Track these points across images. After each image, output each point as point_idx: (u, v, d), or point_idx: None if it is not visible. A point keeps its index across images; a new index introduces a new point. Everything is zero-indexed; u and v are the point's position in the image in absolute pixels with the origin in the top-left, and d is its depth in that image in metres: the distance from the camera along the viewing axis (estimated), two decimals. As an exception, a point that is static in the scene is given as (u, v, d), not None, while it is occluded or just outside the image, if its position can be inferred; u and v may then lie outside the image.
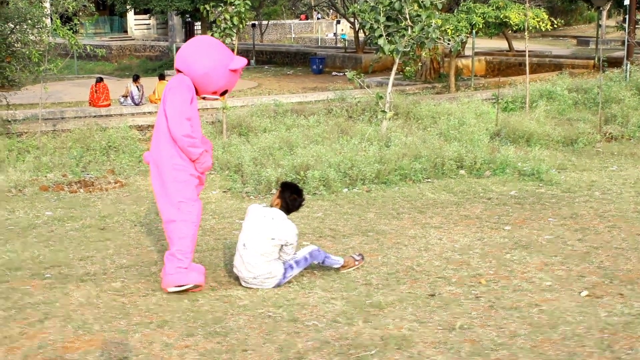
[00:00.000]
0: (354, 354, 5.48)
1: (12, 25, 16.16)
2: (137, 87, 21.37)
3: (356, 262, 7.55)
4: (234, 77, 7.31)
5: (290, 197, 7.21)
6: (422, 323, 6.04)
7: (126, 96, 21.35)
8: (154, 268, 7.72)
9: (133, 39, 50.28)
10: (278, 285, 7.08)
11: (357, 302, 6.58)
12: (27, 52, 15.77)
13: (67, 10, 15.85)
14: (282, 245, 7.00)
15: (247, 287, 7.05)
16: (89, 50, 17.71)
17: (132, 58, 43.52)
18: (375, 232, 8.96)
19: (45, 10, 16.75)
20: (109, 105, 20.94)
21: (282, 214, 7.12)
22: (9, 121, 17.05)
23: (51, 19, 17.25)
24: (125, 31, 53.95)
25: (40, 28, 16.17)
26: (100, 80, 21.39)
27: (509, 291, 6.76)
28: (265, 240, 6.96)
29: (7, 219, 10.02)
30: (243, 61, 7.30)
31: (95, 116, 19.44)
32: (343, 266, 7.46)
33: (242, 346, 5.73)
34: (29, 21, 16.07)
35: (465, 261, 7.69)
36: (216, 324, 6.18)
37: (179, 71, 7.24)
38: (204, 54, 7.11)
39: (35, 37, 16.27)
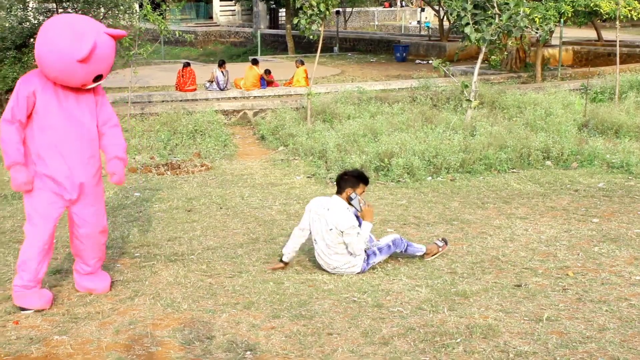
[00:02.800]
0: (439, 342, 5.46)
1: (105, 10, 16.51)
2: (223, 72, 21.58)
3: (440, 249, 7.52)
4: (87, 67, 5.92)
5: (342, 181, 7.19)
6: (508, 313, 5.98)
7: (212, 81, 21.58)
8: (239, 250, 7.82)
9: (218, 25, 50.80)
10: (362, 272, 7.10)
11: (442, 290, 6.55)
12: (119, 37, 16.08)
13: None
14: (342, 235, 6.99)
15: (330, 273, 7.11)
16: (177, 36, 18.00)
17: (217, 44, 43.98)
18: (460, 221, 8.90)
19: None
20: (195, 89, 21.20)
21: (340, 202, 7.08)
22: (100, 104, 17.42)
23: (141, 4, 17.57)
24: (211, 17, 54.55)
25: (131, 13, 16.48)
26: (187, 65, 21.68)
27: (597, 284, 6.64)
28: (327, 233, 6.98)
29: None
30: (88, 46, 5.82)
31: (181, 100, 19.73)
32: (426, 254, 7.44)
33: (327, 329, 5.76)
34: (121, 7, 16.39)
35: (552, 253, 7.58)
36: (301, 307, 6.22)
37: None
38: (49, 47, 5.89)
39: (126, 22, 16.59)
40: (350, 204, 7.04)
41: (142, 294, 6.53)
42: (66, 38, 5.85)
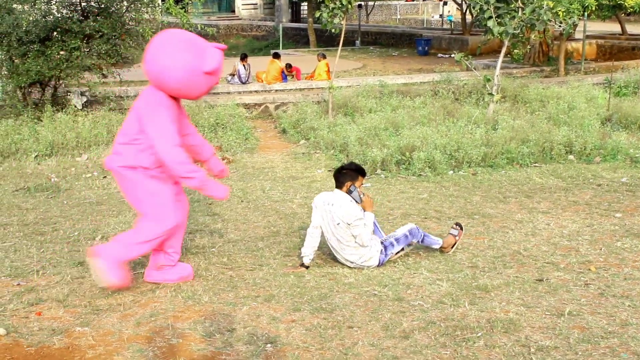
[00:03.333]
0: (460, 336, 5.45)
1: (127, 4, 16.54)
2: (244, 65, 21.60)
3: (456, 237, 7.48)
4: (212, 79, 6.31)
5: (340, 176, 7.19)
6: (529, 308, 5.95)
7: (233, 75, 21.60)
8: (260, 243, 7.83)
9: (240, 19, 50.81)
10: (381, 264, 7.09)
11: (462, 284, 6.53)
12: (141, 30, 16.14)
13: (179, -10, 16.16)
14: (349, 228, 6.98)
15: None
16: (199, 29, 18.01)
17: (238, 37, 44.00)
18: (481, 215, 8.86)
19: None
20: (217, 83, 21.23)
21: (342, 195, 7.07)
22: (122, 97, 17.51)
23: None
24: (233, 11, 54.56)
25: (154, 7, 16.51)
26: (208, 58, 21.68)
27: (620, 279, 6.60)
28: (336, 228, 6.97)
29: (119, 192, 10.29)
30: (216, 57, 6.18)
31: (203, 93, 19.72)
32: (444, 247, 7.42)
33: (347, 323, 5.76)
34: (144, 0, 16.42)
35: (574, 247, 7.53)
36: (322, 300, 6.22)
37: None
38: (173, 61, 6.10)
39: (149, 16, 16.63)
40: (350, 196, 7.05)
41: (163, 286, 6.55)
42: (191, 51, 6.08)
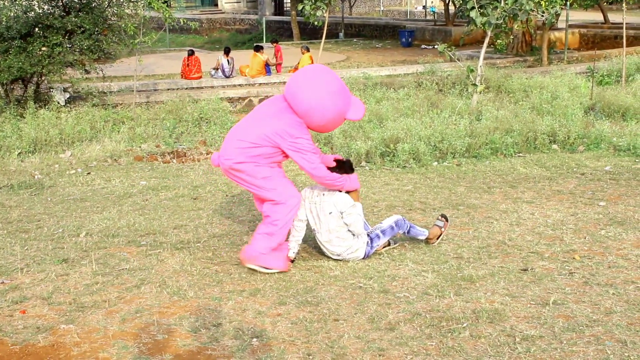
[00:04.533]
0: (445, 327, 5.46)
1: (109, 0, 16.47)
2: (228, 60, 21.56)
3: (442, 229, 7.49)
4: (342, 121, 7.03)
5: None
6: (514, 297, 5.97)
7: (217, 69, 21.57)
8: (245, 238, 7.82)
9: (223, 13, 50.68)
10: (366, 256, 7.09)
11: (448, 275, 6.54)
12: (123, 25, 16.07)
13: (161, -16, 16.06)
14: (342, 217, 6.99)
15: (337, 260, 7.10)
16: (182, 23, 17.95)
17: (222, 31, 43.88)
18: (466, 206, 8.88)
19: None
20: (200, 77, 21.18)
21: None
22: (105, 93, 17.44)
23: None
24: (216, 5, 54.44)
25: (136, 2, 16.44)
26: (192, 53, 21.66)
27: (604, 268, 6.62)
28: (327, 217, 6.96)
29: (103, 188, 10.29)
30: (361, 111, 6.91)
31: (187, 88, 19.72)
32: (429, 239, 7.43)
33: (333, 315, 5.77)
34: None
35: (558, 236, 7.56)
36: (307, 294, 6.23)
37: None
38: (325, 103, 6.64)
39: (131, 11, 16.55)
40: None
41: (149, 282, 6.53)
42: (343, 97, 6.72)
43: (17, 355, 5.19)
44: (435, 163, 11.29)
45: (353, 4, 47.75)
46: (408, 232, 7.32)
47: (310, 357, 5.12)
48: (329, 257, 7.13)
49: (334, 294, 6.22)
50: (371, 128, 12.99)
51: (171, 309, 5.95)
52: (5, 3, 16.03)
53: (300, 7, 15.75)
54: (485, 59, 15.83)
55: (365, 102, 15.78)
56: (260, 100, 18.78)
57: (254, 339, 5.37)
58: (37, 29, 15.76)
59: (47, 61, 15.32)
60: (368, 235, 7.13)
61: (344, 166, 7.06)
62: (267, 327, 5.59)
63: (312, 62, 21.21)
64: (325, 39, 16.73)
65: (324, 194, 6.99)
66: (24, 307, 5.98)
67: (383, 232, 7.19)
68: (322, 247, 7.13)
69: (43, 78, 16.33)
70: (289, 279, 6.58)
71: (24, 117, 14.08)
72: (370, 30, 37.87)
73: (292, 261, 7.05)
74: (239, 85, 20.48)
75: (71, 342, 5.35)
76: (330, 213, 6.94)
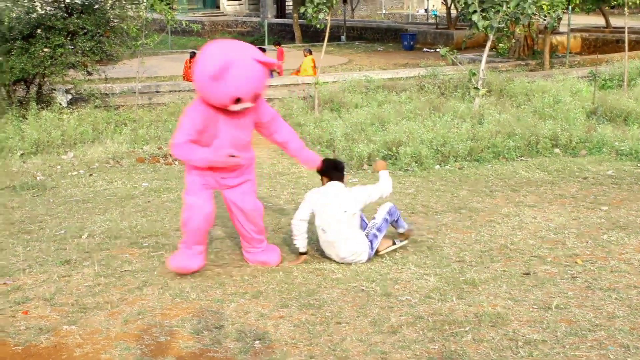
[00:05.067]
0: (447, 330, 5.46)
1: (111, 1, 16.48)
2: (230, 62, 21.54)
3: (395, 244, 7.48)
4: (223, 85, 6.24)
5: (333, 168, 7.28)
6: (516, 301, 5.97)
7: (219, 71, 21.55)
8: (248, 240, 7.81)
9: (225, 15, 50.66)
10: (368, 259, 7.10)
11: (450, 278, 6.54)
12: (125, 27, 16.08)
13: (163, -14, 16.07)
14: (360, 210, 7.14)
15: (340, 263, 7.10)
16: (184, 26, 17.96)
17: (224, 34, 43.83)
18: (468, 209, 8.87)
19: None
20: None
21: (340, 185, 7.16)
22: (107, 94, 17.44)
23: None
24: (218, 7, 54.41)
25: (138, 4, 16.45)
26: (194, 55, 21.65)
27: (607, 272, 6.62)
28: (342, 215, 6.98)
29: (105, 189, 10.28)
30: (218, 62, 6.18)
31: (189, 90, 19.69)
32: (402, 234, 7.49)
33: (335, 318, 5.76)
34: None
35: (561, 240, 7.55)
36: (310, 296, 6.22)
37: None
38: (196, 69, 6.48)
39: (133, 13, 16.56)
40: None
41: (151, 283, 6.54)
42: (205, 58, 6.37)
43: (19, 356, 5.20)
44: (438, 166, 11.28)
45: (355, 7, 47.76)
46: (397, 221, 7.37)
47: (313, 359, 5.12)
48: (331, 260, 7.13)
49: (337, 296, 6.22)
50: (373, 131, 12.98)
51: (173, 310, 5.95)
52: (8, 4, 16.02)
53: (302, 9, 15.69)
54: (487, 62, 15.80)
55: (368, 105, 15.79)
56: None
57: (256, 342, 5.37)
58: (39, 30, 15.76)
59: (49, 62, 15.31)
60: (366, 237, 7.14)
61: (330, 166, 7.27)
62: (269, 329, 5.59)
63: (314, 65, 21.20)
64: (328, 41, 16.68)
65: (336, 195, 7.03)
66: (26, 308, 5.99)
67: (379, 229, 7.21)
68: (327, 249, 7.14)
69: (45, 79, 16.33)
70: (291, 282, 6.58)
71: (26, 119, 14.07)
72: (372, 34, 37.85)
73: (306, 253, 7.16)
74: (241, 87, 20.43)
75: (73, 343, 5.36)
76: (345, 212, 6.98)
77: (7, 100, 15.46)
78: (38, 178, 11.11)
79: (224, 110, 6.45)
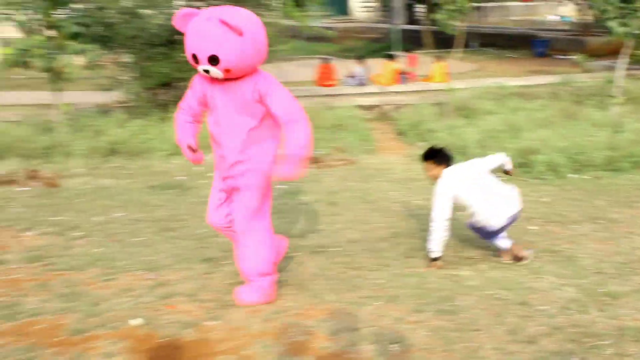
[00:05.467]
0: (588, 343, 5.30)
1: (250, 8, 16.81)
2: (361, 67, 21.63)
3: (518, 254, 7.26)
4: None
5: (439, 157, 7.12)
6: (660, 316, 5.75)
7: (351, 76, 21.67)
8: (382, 244, 7.81)
9: (356, 21, 50.92)
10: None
11: (589, 290, 6.35)
12: (263, 33, 16.36)
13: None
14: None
15: (473, 269, 6.99)
16: (318, 33, 18.14)
17: (354, 40, 44.09)
18: (606, 220, 8.60)
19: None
20: (334, 84, 21.34)
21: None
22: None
23: (282, 3, 17.74)
24: (349, 14, 54.75)
25: (275, 10, 16.73)
26: (326, 60, 21.86)
27: None
28: (488, 175, 7.16)
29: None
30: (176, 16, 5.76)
31: (321, 95, 19.88)
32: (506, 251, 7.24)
33: (472, 325, 5.68)
34: (264, 4, 16.64)
35: None
36: (445, 302, 6.15)
37: None
38: None
39: (270, 19, 16.84)
40: None
41: (288, 284, 6.60)
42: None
43: (164, 348, 5.34)
44: (573, 175, 10.98)
45: (486, 14, 47.13)
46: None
47: (450, 366, 5.08)
48: (465, 266, 7.04)
49: (472, 303, 6.13)
50: (506, 138, 12.76)
51: (310, 311, 5.99)
52: (151, 12, 16.57)
53: (435, 16, 15.63)
54: (624, 69, 15.31)
55: (500, 112, 15.53)
56: (394, 109, 18.74)
57: (393, 345, 5.35)
58: (177, 36, 16.23)
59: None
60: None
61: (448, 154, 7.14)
62: (405, 333, 5.55)
63: (445, 71, 21.04)
64: (458, 48, 16.56)
65: (472, 164, 7.19)
66: (171, 303, 6.15)
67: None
68: (498, 214, 7.01)
69: (185, 83, 16.77)
70: (426, 287, 6.52)
71: (168, 121, 14.50)
72: (503, 40, 37.22)
73: (438, 259, 7.05)
74: (372, 93, 20.49)
75: (216, 338, 5.47)
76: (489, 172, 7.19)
77: (151, 104, 15.98)
78: (178, 178, 11.43)
79: (218, 80, 5.85)
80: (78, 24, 15.35)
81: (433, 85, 20.56)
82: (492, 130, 13.43)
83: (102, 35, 15.93)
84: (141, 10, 16.19)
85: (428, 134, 14.31)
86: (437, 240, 6.98)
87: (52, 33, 14.69)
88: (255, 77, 5.84)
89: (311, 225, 8.55)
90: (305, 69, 25.83)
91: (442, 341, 5.42)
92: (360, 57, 22.52)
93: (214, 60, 5.56)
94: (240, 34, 5.52)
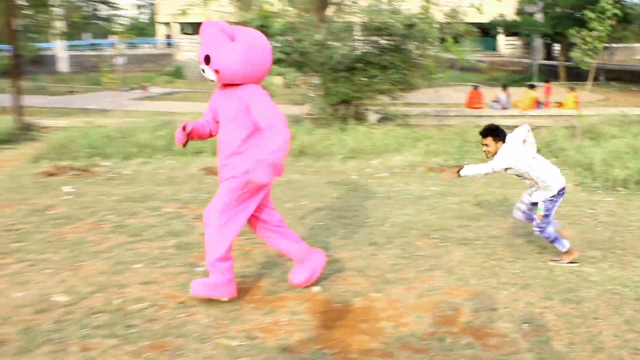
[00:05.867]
0: (697, 338, 4.93)
1: (417, 44, 16.74)
2: (505, 94, 21.08)
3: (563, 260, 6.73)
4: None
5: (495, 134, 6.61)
6: None
7: (496, 101, 21.16)
8: (518, 240, 7.57)
9: (501, 56, 49.64)
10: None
11: (700, 292, 5.90)
12: (425, 64, 16.28)
13: (458, 32, 16.10)
14: None
15: (595, 267, 6.64)
16: (470, 64, 17.81)
17: (500, 71, 43.00)
18: None
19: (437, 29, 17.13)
20: (482, 108, 20.90)
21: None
22: (407, 115, 17.75)
23: (442, 39, 17.54)
24: (496, 49, 53.44)
25: (436, 45, 16.59)
26: (475, 87, 21.45)
27: None
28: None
29: (403, 190, 10.44)
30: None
31: (470, 116, 19.53)
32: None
33: (593, 314, 5.41)
34: (429, 40, 16.55)
35: None
36: (570, 293, 5.90)
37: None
38: None
39: (433, 53, 16.73)
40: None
41: (438, 268, 6.53)
42: None
43: (338, 312, 5.41)
44: (688, 193, 10.24)
45: (613, 53, 44.69)
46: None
47: (573, 346, 4.86)
48: (589, 264, 6.70)
49: (594, 296, 5.84)
50: (628, 159, 12.05)
51: (456, 291, 5.90)
52: (338, 44, 16.83)
53: (572, 54, 14.99)
54: None
55: (623, 136, 14.68)
56: (531, 130, 18.09)
57: (525, 325, 5.19)
58: (359, 64, 16.40)
59: (365, 89, 15.88)
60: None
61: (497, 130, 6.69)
62: (535, 316, 5.37)
63: (577, 101, 20.14)
64: (588, 81, 15.82)
65: (528, 130, 7.00)
66: (344, 276, 6.22)
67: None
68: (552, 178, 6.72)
69: (361, 102, 16.93)
70: (554, 279, 6.27)
71: (346, 131, 14.68)
72: (629, 76, 35.19)
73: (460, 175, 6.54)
74: (513, 116, 19.91)
75: (379, 307, 5.49)
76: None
77: (332, 117, 16.24)
78: (352, 177, 11.53)
79: (222, 89, 5.44)
80: (281, 52, 15.81)
81: (565, 112, 19.73)
82: (616, 151, 12.72)
83: (298, 61, 16.34)
84: (330, 43, 16.48)
85: (559, 151, 13.74)
86: (474, 172, 6.50)
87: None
88: (246, 89, 5.24)
89: (458, 221, 8.40)
90: (458, 94, 25.47)
91: (567, 325, 5.20)
92: (504, 85, 21.92)
93: (207, 59, 5.19)
94: (232, 39, 5.15)
